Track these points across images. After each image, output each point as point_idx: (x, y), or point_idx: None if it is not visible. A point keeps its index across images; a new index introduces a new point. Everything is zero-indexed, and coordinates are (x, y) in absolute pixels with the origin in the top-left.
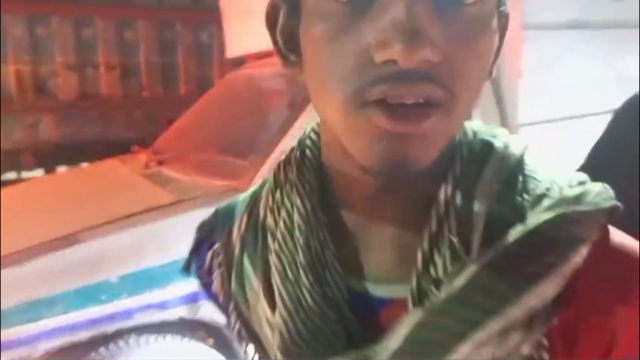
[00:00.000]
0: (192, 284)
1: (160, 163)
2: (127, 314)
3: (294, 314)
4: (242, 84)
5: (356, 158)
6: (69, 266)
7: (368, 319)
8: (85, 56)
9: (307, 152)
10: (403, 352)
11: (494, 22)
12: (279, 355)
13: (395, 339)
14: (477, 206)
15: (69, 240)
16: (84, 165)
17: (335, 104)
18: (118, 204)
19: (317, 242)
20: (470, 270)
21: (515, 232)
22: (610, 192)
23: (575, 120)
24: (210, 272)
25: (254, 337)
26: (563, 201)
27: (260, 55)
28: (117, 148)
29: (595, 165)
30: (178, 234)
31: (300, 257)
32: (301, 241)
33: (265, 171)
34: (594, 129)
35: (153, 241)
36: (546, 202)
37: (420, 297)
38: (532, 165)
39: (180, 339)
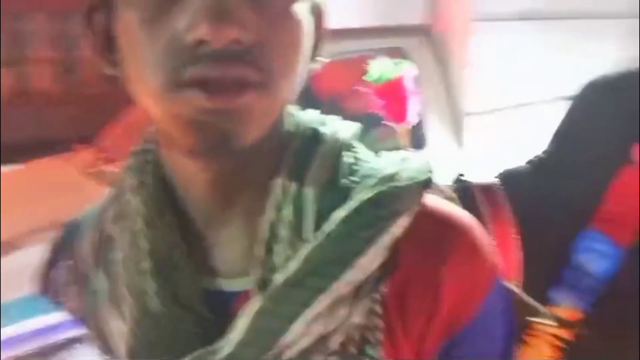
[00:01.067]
0: None
1: (107, 161)
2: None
3: (141, 322)
4: None
5: (180, 142)
6: (10, 274)
7: (225, 315)
8: (21, 51)
9: (147, 155)
10: (245, 342)
11: (304, 10)
12: None
13: (237, 330)
14: (309, 193)
15: (8, 246)
16: (21, 166)
17: (152, 90)
18: (63, 205)
19: (165, 246)
20: (302, 253)
21: (339, 213)
22: (429, 166)
23: (524, 108)
24: (62, 290)
25: (110, 352)
26: (382, 179)
27: None
28: (56, 147)
29: (559, 148)
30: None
31: (145, 264)
32: (145, 247)
33: None
34: (545, 117)
35: None
36: (368, 182)
37: (263, 287)
38: (361, 149)
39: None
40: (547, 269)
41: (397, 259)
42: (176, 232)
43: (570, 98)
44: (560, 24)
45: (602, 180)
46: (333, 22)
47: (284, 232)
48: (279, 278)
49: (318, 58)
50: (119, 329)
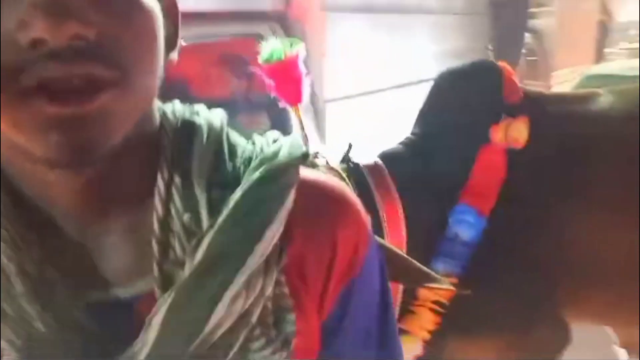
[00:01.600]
0: None
1: None
2: None
3: (28, 350)
4: None
5: (34, 153)
6: None
7: (128, 322)
8: None
9: None
10: (162, 340)
11: (151, 1)
12: None
13: (151, 330)
14: (197, 181)
15: None
16: None
17: None
18: None
19: (34, 265)
20: (205, 242)
21: (235, 196)
22: (300, 142)
23: (372, 95)
24: None
25: None
26: (266, 158)
27: None
28: None
29: (425, 130)
30: None
31: (18, 288)
32: (13, 270)
33: None
34: (388, 103)
35: None
36: (254, 163)
37: (166, 283)
38: (233, 134)
39: None
40: (425, 242)
41: (290, 230)
42: (44, 249)
43: (408, 84)
44: (391, 17)
45: (467, 159)
46: (185, 5)
47: (177, 226)
48: (185, 270)
49: (176, 47)
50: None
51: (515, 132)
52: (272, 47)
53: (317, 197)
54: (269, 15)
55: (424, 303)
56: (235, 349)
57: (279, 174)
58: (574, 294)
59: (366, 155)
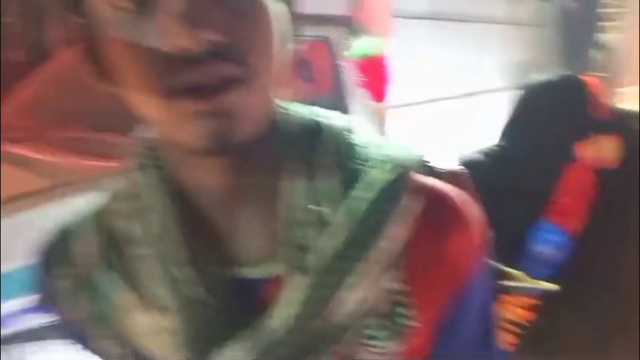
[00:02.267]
0: None
1: (11, 142)
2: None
3: (185, 312)
4: None
5: (185, 144)
6: None
7: (252, 302)
8: None
9: (153, 153)
10: (303, 314)
11: None
12: (171, 357)
13: (289, 307)
14: (320, 178)
15: None
16: None
17: (149, 101)
18: None
19: (191, 239)
20: (337, 230)
21: (360, 192)
22: (418, 151)
23: (435, 103)
24: (58, 298)
25: (131, 354)
26: (395, 162)
27: None
28: None
29: (509, 143)
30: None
31: (179, 256)
32: (177, 239)
33: None
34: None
35: (26, 234)
36: (387, 166)
37: (294, 266)
38: (358, 135)
39: (68, 345)
40: (501, 257)
41: (410, 231)
42: (199, 226)
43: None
44: (458, 26)
45: (550, 175)
46: None
47: (302, 214)
48: (318, 254)
49: (291, 42)
50: (146, 323)
51: (605, 151)
52: (363, 44)
53: (434, 201)
54: (337, 19)
55: (501, 323)
56: (350, 332)
57: (404, 177)
58: None
59: (444, 161)
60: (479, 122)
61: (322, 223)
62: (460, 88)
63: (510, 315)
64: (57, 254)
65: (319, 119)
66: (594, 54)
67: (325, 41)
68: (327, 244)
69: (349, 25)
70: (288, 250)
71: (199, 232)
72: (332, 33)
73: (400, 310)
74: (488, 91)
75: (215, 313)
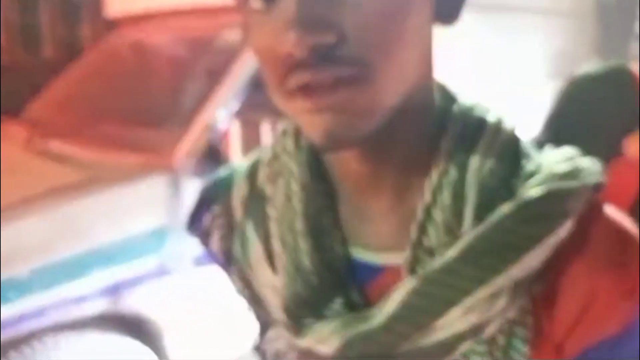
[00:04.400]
0: (112, 274)
1: (45, 137)
2: (40, 312)
3: (294, 277)
4: (127, 50)
5: (308, 139)
6: None
7: (364, 284)
8: None
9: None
10: (397, 316)
11: None
12: (281, 316)
13: (390, 304)
14: (470, 180)
15: None
16: None
17: (275, 98)
18: (11, 186)
19: (316, 210)
20: (463, 242)
21: (506, 207)
22: (597, 167)
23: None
24: (209, 233)
25: (255, 299)
26: (553, 177)
27: (142, 17)
28: None
29: (552, 136)
30: (93, 217)
31: (299, 224)
32: (299, 208)
33: (189, 144)
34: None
35: (64, 227)
36: (537, 178)
37: (414, 266)
38: (524, 142)
39: (102, 336)
40: None
41: (556, 260)
42: (327, 199)
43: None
44: (499, 15)
45: None
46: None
47: (440, 216)
48: (437, 261)
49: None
50: (268, 280)
51: None
52: None
53: (601, 236)
54: None
55: None
56: (452, 356)
57: (561, 198)
58: None
59: None
60: (521, 114)
61: (453, 230)
62: (501, 80)
63: None
64: (216, 194)
65: (487, 117)
66: (634, 44)
67: None
68: (446, 252)
69: None
70: (412, 247)
71: (328, 206)
72: None
73: (518, 344)
74: (530, 83)
75: (322, 287)
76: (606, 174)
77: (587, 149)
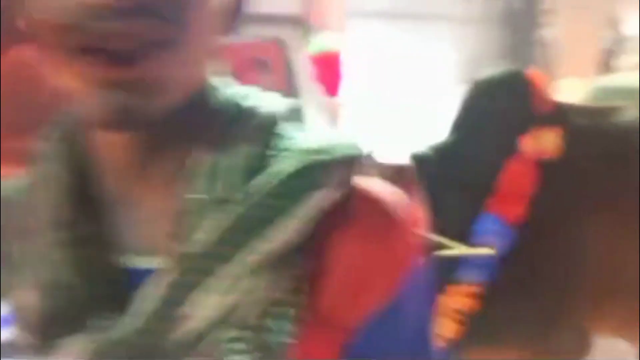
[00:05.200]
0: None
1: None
2: None
3: (52, 292)
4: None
5: (91, 116)
6: None
7: (133, 293)
8: None
9: (65, 125)
10: (153, 317)
11: None
12: (32, 338)
13: (144, 304)
14: (222, 164)
15: None
16: None
17: (53, 54)
18: None
19: (82, 217)
20: (210, 223)
21: (254, 182)
22: (353, 143)
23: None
24: None
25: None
26: (306, 152)
27: None
28: None
29: (456, 138)
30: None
31: (62, 233)
32: (64, 216)
33: None
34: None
35: None
36: (288, 154)
37: (173, 261)
38: (286, 124)
39: None
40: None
41: (323, 236)
42: (93, 206)
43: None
44: (411, 23)
45: (496, 168)
46: None
47: (195, 205)
48: (188, 247)
49: (234, 24)
50: (21, 299)
51: (546, 143)
52: (317, 40)
53: (363, 207)
54: (289, 19)
55: (446, 312)
56: (205, 343)
57: (313, 171)
58: (595, 306)
59: (390, 156)
60: (432, 118)
61: (216, 214)
62: (414, 84)
63: (455, 305)
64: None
65: (244, 103)
66: (537, 48)
67: (277, 42)
68: (197, 238)
69: (302, 23)
70: (174, 242)
71: (92, 213)
72: (284, 32)
73: (282, 324)
74: (440, 87)
75: (84, 299)
76: (506, 169)
77: (488, 147)
